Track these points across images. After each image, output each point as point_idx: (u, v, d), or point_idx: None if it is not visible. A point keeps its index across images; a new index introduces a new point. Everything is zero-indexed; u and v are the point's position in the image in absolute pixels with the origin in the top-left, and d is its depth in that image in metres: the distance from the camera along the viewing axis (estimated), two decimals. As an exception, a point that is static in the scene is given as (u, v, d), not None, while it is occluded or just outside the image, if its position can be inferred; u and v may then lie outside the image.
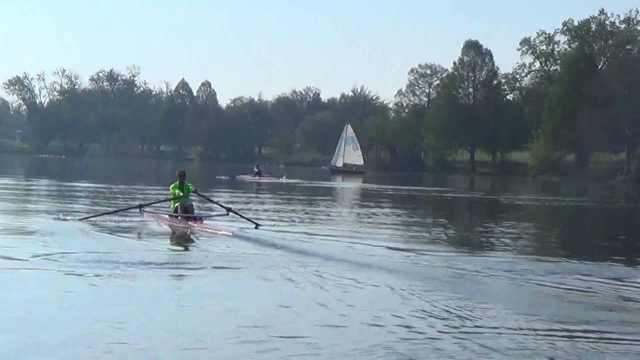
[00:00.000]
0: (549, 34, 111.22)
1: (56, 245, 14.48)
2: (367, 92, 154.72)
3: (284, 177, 58.19)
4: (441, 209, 35.17)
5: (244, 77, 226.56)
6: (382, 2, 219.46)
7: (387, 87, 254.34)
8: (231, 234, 17.02)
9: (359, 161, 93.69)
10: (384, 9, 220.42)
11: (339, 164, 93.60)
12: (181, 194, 19.20)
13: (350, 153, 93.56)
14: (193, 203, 20.03)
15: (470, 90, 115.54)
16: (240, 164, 70.09)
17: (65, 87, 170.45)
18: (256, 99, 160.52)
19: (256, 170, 56.49)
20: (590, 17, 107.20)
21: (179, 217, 18.99)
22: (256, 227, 18.87)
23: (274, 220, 21.87)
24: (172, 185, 19.51)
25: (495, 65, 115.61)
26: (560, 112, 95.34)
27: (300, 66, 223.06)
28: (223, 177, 58.15)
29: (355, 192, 48.98)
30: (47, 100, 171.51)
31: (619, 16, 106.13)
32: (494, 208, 35.90)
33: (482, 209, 35.96)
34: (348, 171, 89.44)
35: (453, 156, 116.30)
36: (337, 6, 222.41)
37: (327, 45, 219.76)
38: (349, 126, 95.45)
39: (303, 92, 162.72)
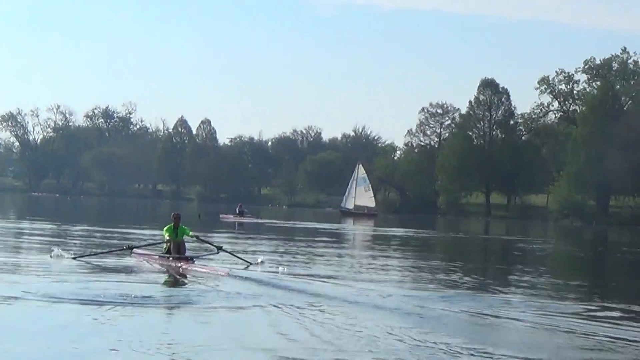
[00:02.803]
0: (569, 72, 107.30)
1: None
2: (369, 132, 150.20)
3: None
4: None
5: (244, 115, 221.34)
6: (385, 40, 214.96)
7: (390, 126, 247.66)
8: (226, 274, 16.94)
9: (371, 203, 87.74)
10: (386, 47, 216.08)
11: (350, 205, 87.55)
12: (175, 239, 19.02)
13: (361, 194, 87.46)
14: (186, 243, 19.65)
15: (486, 130, 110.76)
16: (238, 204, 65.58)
17: (60, 123, 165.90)
18: (256, 138, 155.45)
19: (239, 210, 57.70)
20: (612, 55, 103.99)
21: (170, 258, 18.73)
22: (247, 268, 19.09)
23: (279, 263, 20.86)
24: (166, 228, 19.25)
25: (512, 104, 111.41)
26: (583, 153, 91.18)
27: (301, 105, 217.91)
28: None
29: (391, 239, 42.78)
30: (41, 137, 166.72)
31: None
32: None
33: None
34: (360, 213, 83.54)
35: (467, 199, 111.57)
36: (339, 45, 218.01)
37: (328, 84, 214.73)
38: (361, 166, 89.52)
39: (304, 131, 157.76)
